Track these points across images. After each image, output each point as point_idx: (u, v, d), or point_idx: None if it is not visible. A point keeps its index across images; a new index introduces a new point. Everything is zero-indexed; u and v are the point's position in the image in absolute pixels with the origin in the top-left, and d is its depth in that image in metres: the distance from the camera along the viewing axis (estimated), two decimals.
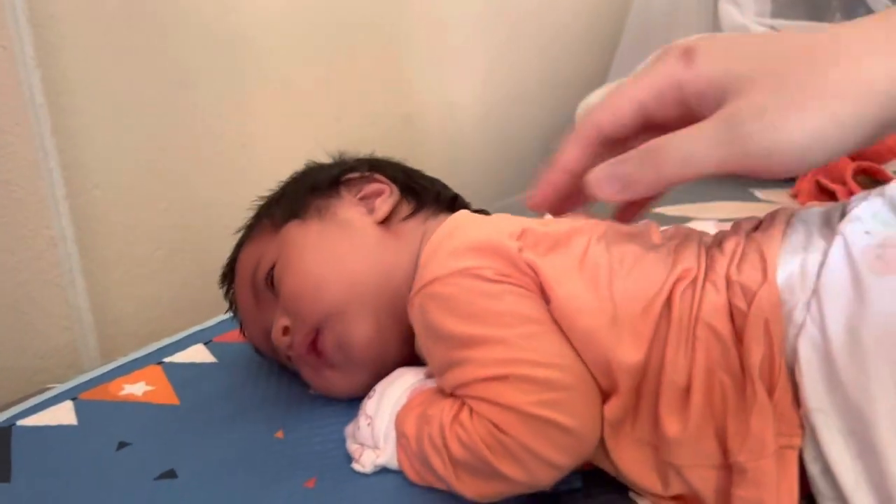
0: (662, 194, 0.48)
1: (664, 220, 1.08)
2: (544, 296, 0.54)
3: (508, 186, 1.43)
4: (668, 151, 0.44)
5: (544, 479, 0.51)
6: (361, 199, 0.69)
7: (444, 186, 0.75)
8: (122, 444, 0.64)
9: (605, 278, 0.54)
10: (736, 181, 1.31)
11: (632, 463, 0.52)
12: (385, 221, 0.67)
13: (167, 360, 0.79)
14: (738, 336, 0.50)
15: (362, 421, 0.59)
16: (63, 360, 0.87)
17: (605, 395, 0.52)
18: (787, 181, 1.26)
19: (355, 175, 0.71)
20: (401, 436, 0.57)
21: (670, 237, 0.58)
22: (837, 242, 0.49)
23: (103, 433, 0.66)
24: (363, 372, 0.64)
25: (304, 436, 0.63)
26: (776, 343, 0.48)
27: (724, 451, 0.49)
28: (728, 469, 0.49)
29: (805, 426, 0.47)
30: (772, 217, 0.57)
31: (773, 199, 1.22)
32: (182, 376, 0.76)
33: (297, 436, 0.64)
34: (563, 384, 0.50)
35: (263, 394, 0.72)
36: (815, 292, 0.48)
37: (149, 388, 0.74)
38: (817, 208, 0.56)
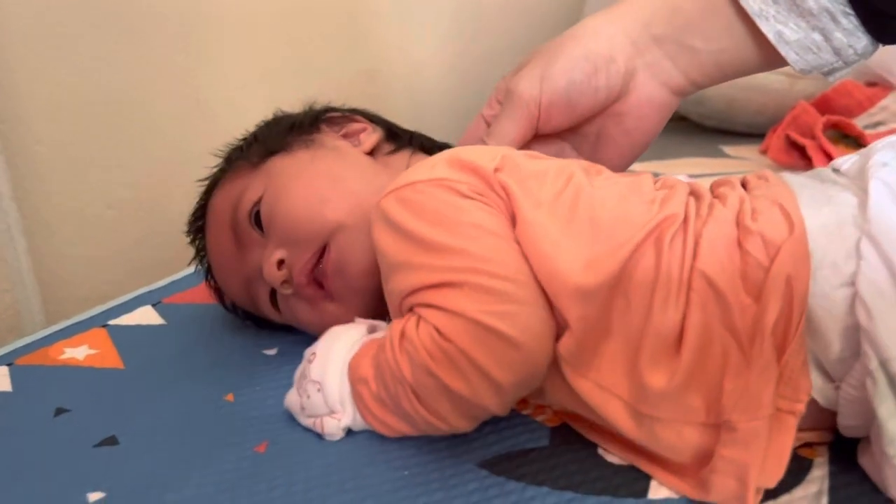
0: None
1: None
2: (513, 220, 0.52)
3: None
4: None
5: (487, 399, 0.48)
6: (344, 136, 0.69)
7: (427, 138, 0.73)
8: (59, 411, 0.60)
9: (582, 213, 0.51)
10: (704, 137, 1.30)
11: (599, 405, 0.50)
12: (371, 154, 0.67)
13: (113, 322, 0.75)
14: (751, 291, 0.47)
15: (310, 388, 0.55)
16: (4, 323, 0.82)
17: (559, 330, 0.50)
18: (755, 136, 1.25)
19: (336, 114, 0.71)
20: (358, 382, 0.53)
21: (660, 186, 0.55)
22: (876, 186, 0.48)
23: (40, 400, 0.62)
24: (361, 302, 0.61)
25: (256, 399, 0.60)
26: (797, 301, 0.46)
27: (712, 408, 0.47)
28: (711, 427, 0.47)
29: (874, 377, 0.44)
30: (763, 177, 0.55)
31: (743, 154, 1.20)
32: (128, 339, 0.72)
33: (249, 399, 0.60)
34: (518, 298, 0.48)
35: (214, 356, 0.68)
36: (871, 236, 0.46)
37: (92, 351, 0.70)
38: (800, 171, 0.56)
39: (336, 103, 0.74)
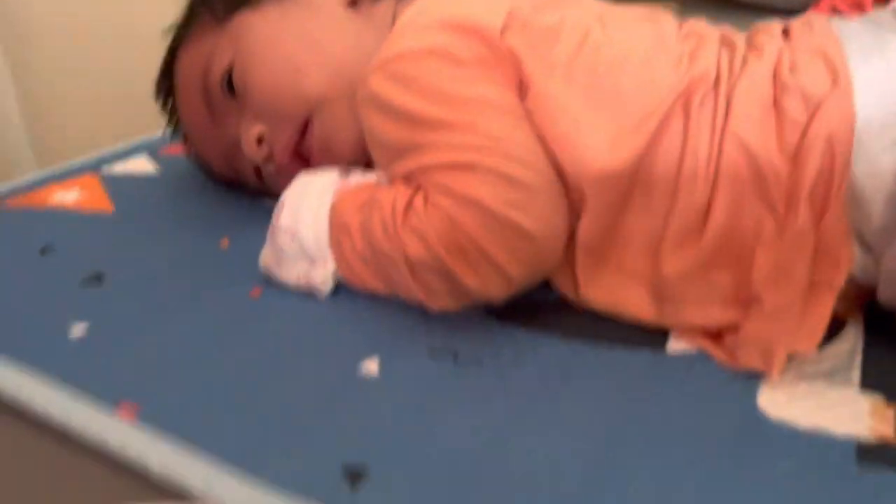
0: None
1: None
2: (522, 88, 0.47)
3: None
4: None
5: (495, 290, 0.45)
6: None
7: None
8: (45, 250, 0.57)
9: (602, 79, 0.46)
10: (740, 13, 1.22)
11: (617, 297, 0.47)
12: (353, 4, 0.59)
13: (106, 168, 0.71)
14: (788, 153, 0.43)
15: (281, 238, 0.50)
16: None
17: (575, 215, 0.46)
18: (797, 11, 1.17)
19: None
20: (339, 229, 0.49)
21: (686, 35, 0.50)
22: None
23: (26, 239, 0.59)
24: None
25: (251, 246, 0.56)
26: (839, 162, 0.42)
27: (741, 285, 0.44)
28: (740, 304, 0.44)
29: None
30: (807, 23, 0.49)
31: None
32: (120, 185, 0.68)
33: (243, 246, 0.57)
34: (532, 185, 0.44)
35: (209, 205, 0.64)
36: None
37: (81, 195, 0.66)
38: (855, 17, 0.51)
39: None
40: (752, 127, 0.44)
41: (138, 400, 0.41)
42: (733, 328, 0.44)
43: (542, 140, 0.46)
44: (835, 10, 1.04)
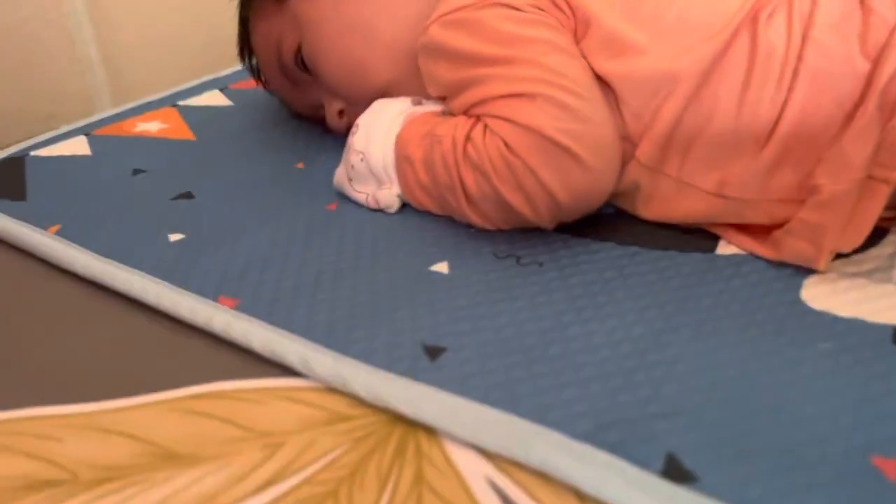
0: None
1: None
2: (581, 29, 0.49)
3: None
4: None
5: (543, 216, 0.47)
6: None
7: None
8: (137, 171, 0.62)
9: (665, 9, 0.48)
10: None
11: (676, 205, 0.49)
12: None
13: (182, 102, 0.76)
14: (870, 54, 0.44)
15: (353, 158, 0.54)
16: (76, 107, 0.84)
17: (635, 143, 0.49)
18: None
19: None
20: (403, 160, 0.52)
21: None
22: None
23: (118, 163, 0.64)
24: None
25: (327, 166, 0.61)
26: None
27: (805, 184, 0.45)
28: (798, 202, 0.46)
29: None
30: None
31: None
32: (198, 117, 0.73)
33: (319, 166, 0.61)
34: (591, 118, 0.46)
35: (284, 133, 0.69)
36: None
37: (163, 125, 0.71)
38: None
39: None
40: (834, 33, 0.45)
41: (235, 295, 0.46)
42: (784, 224, 0.46)
43: (603, 75, 0.48)
44: None
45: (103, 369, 0.42)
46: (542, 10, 0.49)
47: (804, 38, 0.46)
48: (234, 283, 0.47)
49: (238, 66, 0.84)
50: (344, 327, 0.43)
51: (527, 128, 0.45)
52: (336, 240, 0.51)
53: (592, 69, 0.48)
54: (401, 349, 0.41)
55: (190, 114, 0.73)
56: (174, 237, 0.52)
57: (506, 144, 0.46)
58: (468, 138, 0.48)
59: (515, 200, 0.47)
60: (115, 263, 0.49)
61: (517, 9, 0.49)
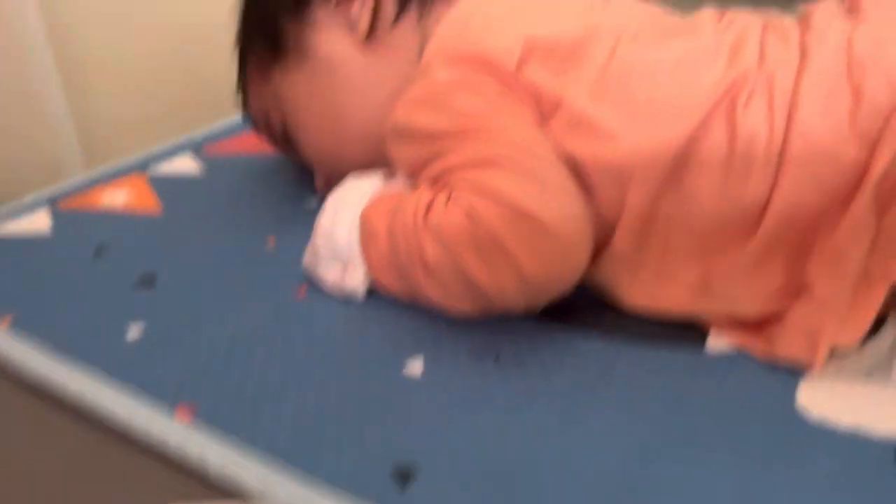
0: None
1: None
2: (548, 112, 0.48)
3: None
4: None
5: (511, 290, 0.43)
6: (337, 4, 0.57)
7: None
8: (99, 251, 0.59)
9: (635, 91, 0.46)
10: None
11: (657, 296, 0.47)
12: (371, 33, 0.57)
13: (152, 169, 0.73)
14: (864, 139, 0.42)
15: (319, 241, 0.52)
16: (45, 172, 0.81)
17: (611, 227, 0.46)
18: None
19: None
20: (368, 236, 0.50)
21: (726, 27, 0.49)
22: None
23: (80, 242, 0.61)
24: None
25: (297, 245, 0.58)
26: None
27: (795, 273, 0.43)
28: (790, 295, 0.44)
29: None
30: None
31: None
32: (167, 186, 0.70)
33: (289, 245, 0.58)
34: (556, 185, 0.44)
35: (255, 205, 0.66)
36: None
37: (130, 197, 0.68)
38: None
39: None
40: (822, 114, 0.43)
41: (195, 400, 0.43)
42: (777, 318, 0.44)
43: (573, 157, 0.46)
44: None
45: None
46: (503, 91, 0.48)
47: (789, 121, 0.43)
48: (194, 387, 0.44)
49: (214, 124, 0.83)
50: (310, 443, 0.40)
51: (492, 195, 0.43)
52: (304, 335, 0.48)
53: (563, 150, 0.46)
54: (370, 470, 0.38)
55: (159, 183, 0.71)
56: (133, 330, 0.49)
57: (469, 212, 0.43)
58: (430, 205, 0.46)
59: (478, 273, 0.43)
60: (68, 365, 0.46)
61: (479, 90, 0.48)
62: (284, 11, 0.58)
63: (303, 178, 0.67)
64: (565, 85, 0.47)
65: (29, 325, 0.50)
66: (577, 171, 0.46)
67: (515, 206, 0.42)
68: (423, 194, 0.47)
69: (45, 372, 0.46)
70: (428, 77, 0.50)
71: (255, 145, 0.72)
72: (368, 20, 0.56)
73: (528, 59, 0.48)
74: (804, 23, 0.48)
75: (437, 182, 0.47)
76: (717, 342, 0.45)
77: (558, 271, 0.44)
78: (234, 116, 0.76)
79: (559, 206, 0.43)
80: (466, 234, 0.43)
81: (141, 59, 0.91)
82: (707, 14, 0.52)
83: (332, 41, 0.57)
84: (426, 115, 0.48)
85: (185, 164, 0.74)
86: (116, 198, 0.68)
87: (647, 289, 0.47)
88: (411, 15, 0.57)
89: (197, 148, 0.77)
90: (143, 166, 0.74)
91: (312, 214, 0.54)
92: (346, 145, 0.57)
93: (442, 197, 0.45)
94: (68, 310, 0.52)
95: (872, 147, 0.42)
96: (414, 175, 0.50)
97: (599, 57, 0.48)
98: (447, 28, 0.52)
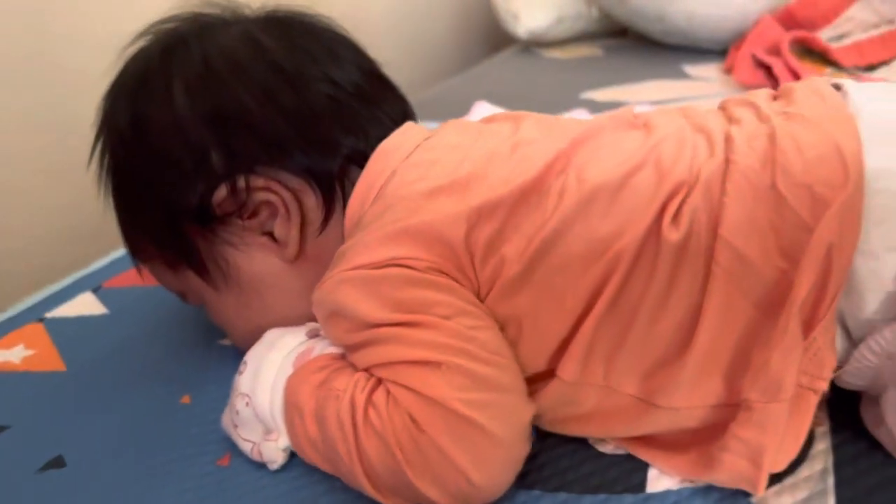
0: None
1: (595, 106, 1.02)
2: (483, 290, 0.46)
3: (419, 81, 1.32)
4: None
5: (456, 495, 0.42)
6: (250, 218, 0.52)
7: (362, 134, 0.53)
8: (1, 428, 0.55)
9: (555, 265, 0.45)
10: (665, 57, 1.25)
11: (603, 415, 0.46)
12: (300, 250, 0.52)
13: (50, 314, 0.69)
14: (787, 253, 0.41)
15: (238, 402, 0.49)
16: None
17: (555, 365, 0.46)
18: (718, 54, 1.20)
19: (223, 196, 0.51)
20: (293, 409, 0.47)
21: (643, 128, 0.49)
22: None
23: None
24: None
25: (215, 400, 0.55)
26: (836, 275, 0.41)
27: (734, 387, 0.43)
28: (728, 407, 0.44)
29: None
30: (816, 92, 0.47)
31: (706, 74, 1.16)
32: (68, 334, 0.66)
33: (206, 400, 0.56)
34: (500, 385, 0.43)
35: (164, 350, 0.63)
36: None
37: (29, 352, 0.64)
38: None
39: None
40: (746, 228, 0.42)
41: None
42: (715, 437, 0.44)
43: (513, 315, 0.45)
44: (753, 58, 1.06)
45: None
46: (443, 272, 0.45)
47: (714, 237, 0.42)
48: None
49: (113, 255, 0.78)
50: None
51: (432, 400, 0.41)
52: None
53: (505, 311, 0.45)
54: None
55: (59, 331, 0.66)
56: None
57: (412, 419, 0.41)
58: (370, 402, 0.43)
59: (423, 484, 0.41)
60: None
61: (414, 269, 0.45)
62: (186, 216, 0.51)
63: None
64: (512, 243, 0.45)
65: None
66: (521, 324, 0.45)
67: (456, 411, 0.41)
68: (361, 384, 0.44)
69: None
70: (360, 255, 0.46)
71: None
72: (297, 240, 0.52)
73: (477, 222, 0.45)
74: (731, 117, 0.48)
75: (374, 371, 0.45)
76: (658, 480, 0.45)
77: (505, 471, 0.43)
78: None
79: (501, 406, 0.42)
80: (411, 443, 0.41)
81: (27, 185, 0.86)
82: (624, 118, 0.51)
83: (256, 262, 0.53)
84: (359, 297, 0.45)
85: (85, 305, 0.70)
86: (13, 355, 0.63)
87: (592, 410, 0.46)
88: (337, 212, 0.52)
89: (96, 285, 0.73)
90: (39, 312, 0.69)
91: (230, 358, 0.51)
92: (267, 328, 0.53)
93: (381, 393, 0.43)
94: None
95: (796, 263, 0.41)
96: (348, 351, 0.47)
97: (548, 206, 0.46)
98: (379, 207, 0.48)
